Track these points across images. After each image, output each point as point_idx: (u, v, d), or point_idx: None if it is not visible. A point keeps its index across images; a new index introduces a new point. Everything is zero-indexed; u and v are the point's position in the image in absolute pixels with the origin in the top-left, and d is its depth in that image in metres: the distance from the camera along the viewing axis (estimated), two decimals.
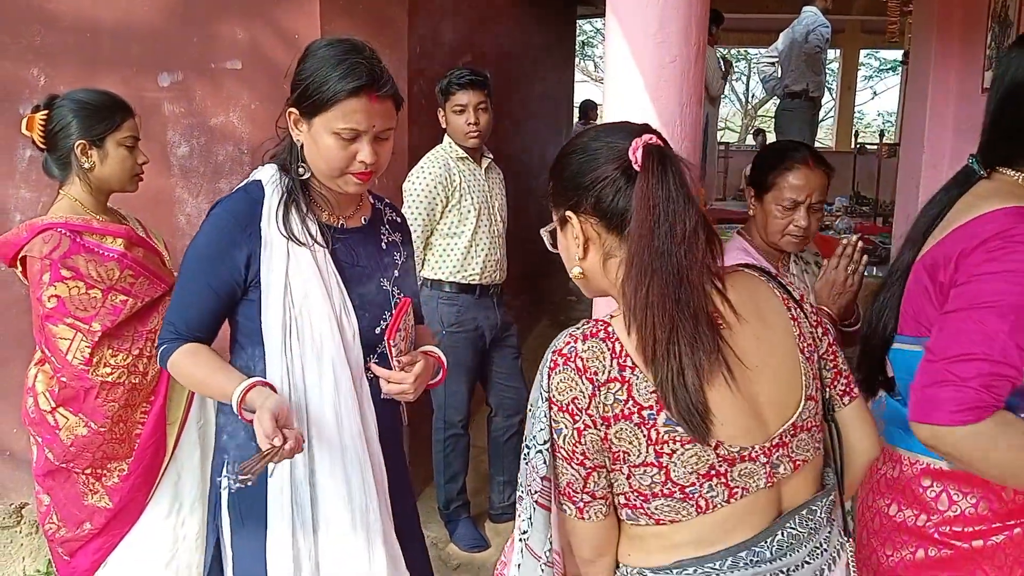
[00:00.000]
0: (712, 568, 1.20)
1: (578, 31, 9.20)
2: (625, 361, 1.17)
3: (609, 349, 1.17)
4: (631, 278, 1.17)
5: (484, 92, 3.16)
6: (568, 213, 1.26)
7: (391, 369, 1.68)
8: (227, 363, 1.71)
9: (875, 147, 9.46)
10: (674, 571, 1.22)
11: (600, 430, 1.17)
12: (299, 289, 1.64)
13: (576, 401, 1.17)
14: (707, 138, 6.39)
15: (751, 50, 18.41)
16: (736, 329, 1.20)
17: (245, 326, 1.71)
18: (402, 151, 3.35)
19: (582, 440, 1.18)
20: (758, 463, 1.20)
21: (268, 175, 1.69)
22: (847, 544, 1.34)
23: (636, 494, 1.20)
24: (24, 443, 3.02)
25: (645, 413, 1.16)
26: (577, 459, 1.20)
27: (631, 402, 1.16)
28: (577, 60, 13.10)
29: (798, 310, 1.29)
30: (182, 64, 2.99)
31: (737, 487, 1.19)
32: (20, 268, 2.18)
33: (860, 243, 2.04)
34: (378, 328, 1.75)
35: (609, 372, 1.16)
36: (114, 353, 2.16)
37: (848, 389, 1.35)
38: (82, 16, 2.99)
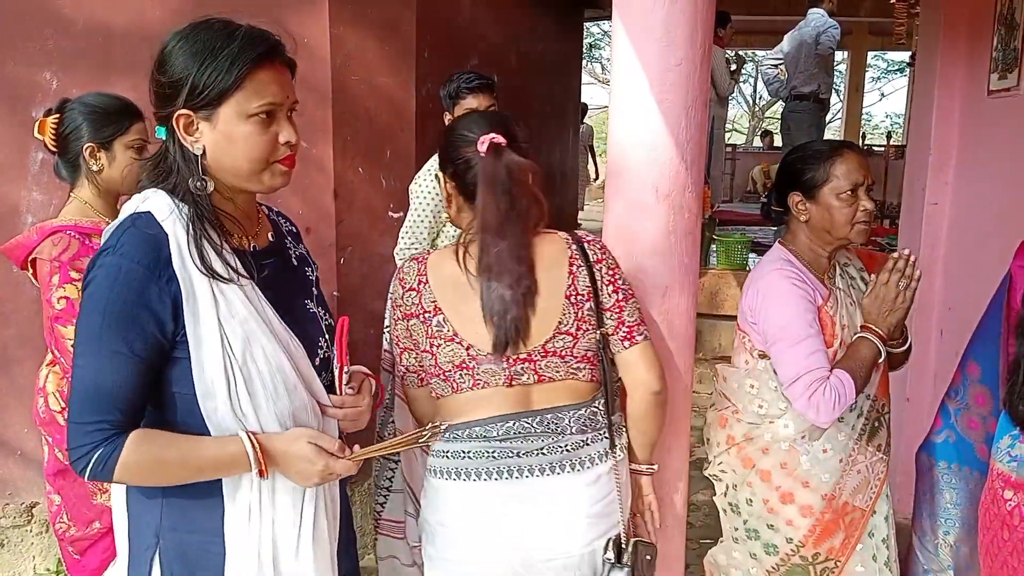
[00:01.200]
0: (458, 435, 1.65)
1: (585, 33, 9.21)
2: (422, 278, 1.66)
3: (416, 269, 1.67)
4: (475, 241, 1.63)
5: (493, 95, 3.19)
6: (439, 174, 1.76)
7: (331, 397, 1.49)
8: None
9: (882, 149, 9.44)
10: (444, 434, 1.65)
11: (404, 322, 1.68)
12: (237, 334, 1.35)
13: (395, 299, 1.69)
14: (713, 139, 6.37)
15: (758, 52, 18.39)
16: None
17: (172, 394, 1.37)
18: (410, 154, 3.38)
19: (396, 327, 1.70)
20: (499, 367, 1.62)
21: (161, 204, 1.36)
22: (610, 458, 1.68)
23: (427, 372, 1.68)
24: (35, 443, 3.04)
25: (426, 315, 1.64)
26: (394, 339, 1.72)
27: (419, 306, 1.65)
28: (584, 62, 13.13)
29: (581, 268, 1.67)
30: None
31: (480, 380, 1.63)
32: (31, 270, 2.20)
33: (913, 257, 1.95)
34: (316, 359, 1.48)
35: (412, 283, 1.66)
36: None
37: (628, 336, 1.68)
38: (94, 20, 3.01)
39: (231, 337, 1.35)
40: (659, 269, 1.79)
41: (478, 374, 1.63)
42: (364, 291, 3.30)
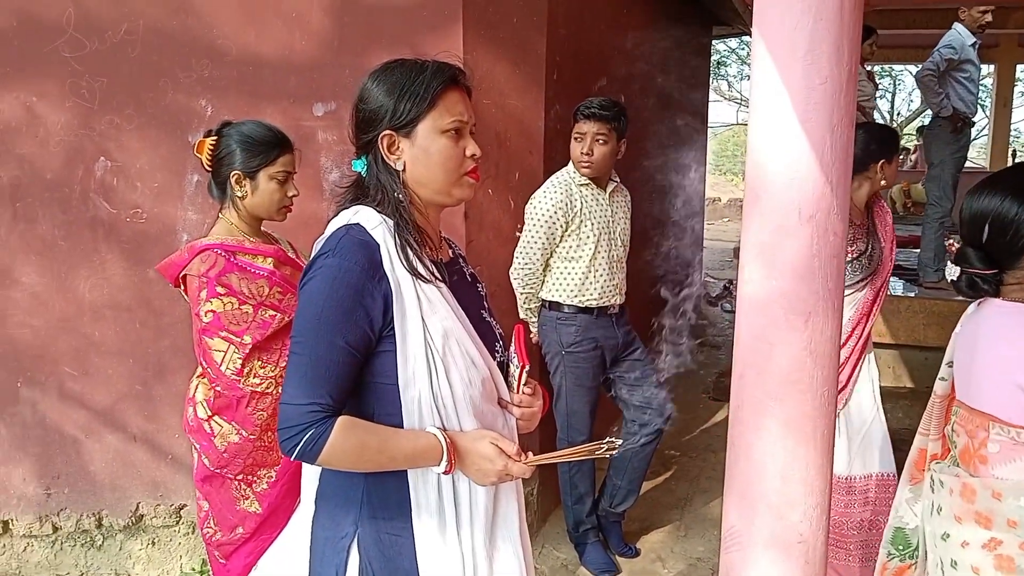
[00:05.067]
0: None
1: (712, 51, 9.07)
2: None
3: None
4: None
5: (607, 124, 3.16)
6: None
7: (511, 395, 1.64)
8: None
9: None
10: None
11: None
12: (437, 328, 1.50)
13: None
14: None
15: (895, 66, 17.62)
16: None
17: (374, 386, 1.51)
18: (538, 176, 3.41)
19: None
20: None
21: (370, 217, 1.52)
22: None
23: None
24: (185, 448, 3.24)
25: None
26: None
27: None
28: (710, 79, 12.91)
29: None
30: (335, 94, 3.14)
31: None
32: (183, 287, 2.35)
33: None
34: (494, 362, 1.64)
35: None
36: (263, 365, 2.29)
37: None
38: (246, 50, 3.20)
39: (432, 332, 1.49)
40: (801, 293, 1.72)
41: None
42: (493, 309, 3.34)
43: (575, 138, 3.20)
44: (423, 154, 1.53)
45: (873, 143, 2.93)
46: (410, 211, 1.55)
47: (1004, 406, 1.60)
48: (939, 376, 1.80)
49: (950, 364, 1.81)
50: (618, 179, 3.36)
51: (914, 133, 15.80)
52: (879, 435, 3.02)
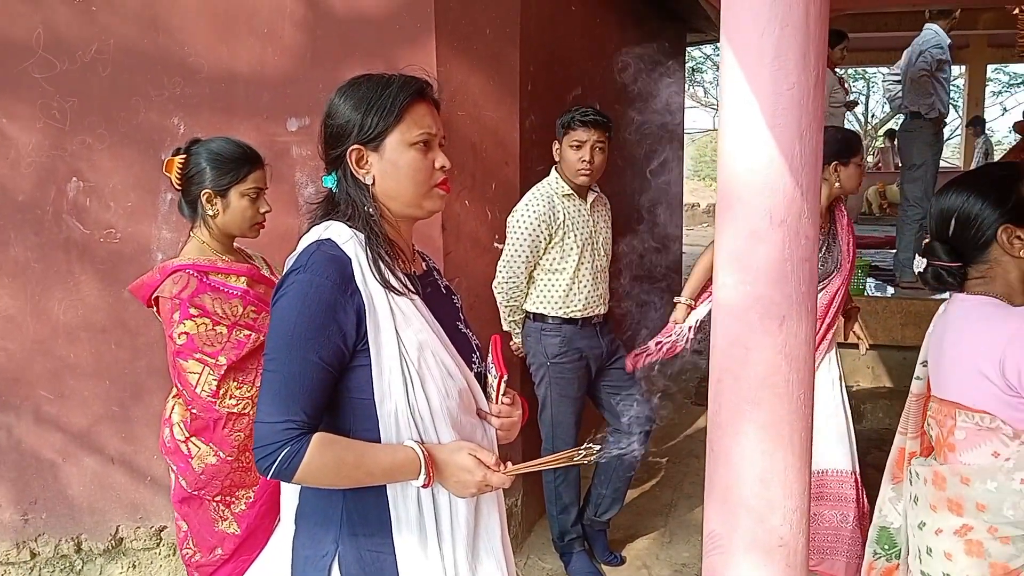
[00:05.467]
0: None
1: (686, 57, 9.13)
2: None
3: None
4: None
5: (604, 133, 3.18)
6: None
7: (489, 406, 1.63)
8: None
9: None
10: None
11: None
12: (411, 341, 1.49)
13: None
14: None
15: (868, 69, 17.82)
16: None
17: (350, 401, 1.50)
18: (514, 186, 3.42)
19: None
20: None
21: (341, 231, 1.52)
22: None
23: None
24: (163, 469, 3.20)
25: None
26: None
27: None
28: (686, 86, 13.00)
29: None
30: (309, 109, 3.14)
31: None
32: (155, 308, 2.32)
33: None
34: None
35: None
36: (239, 385, 2.27)
37: None
38: (219, 67, 3.19)
39: (407, 344, 1.49)
40: (775, 297, 1.73)
41: None
42: (471, 320, 3.34)
43: (572, 146, 3.17)
44: (392, 167, 1.53)
45: (827, 145, 2.92)
46: (381, 225, 1.55)
47: (969, 393, 1.66)
48: (915, 376, 1.82)
49: (925, 363, 1.85)
50: (598, 188, 3.37)
51: (883, 136, 15.97)
52: (834, 433, 3.02)
